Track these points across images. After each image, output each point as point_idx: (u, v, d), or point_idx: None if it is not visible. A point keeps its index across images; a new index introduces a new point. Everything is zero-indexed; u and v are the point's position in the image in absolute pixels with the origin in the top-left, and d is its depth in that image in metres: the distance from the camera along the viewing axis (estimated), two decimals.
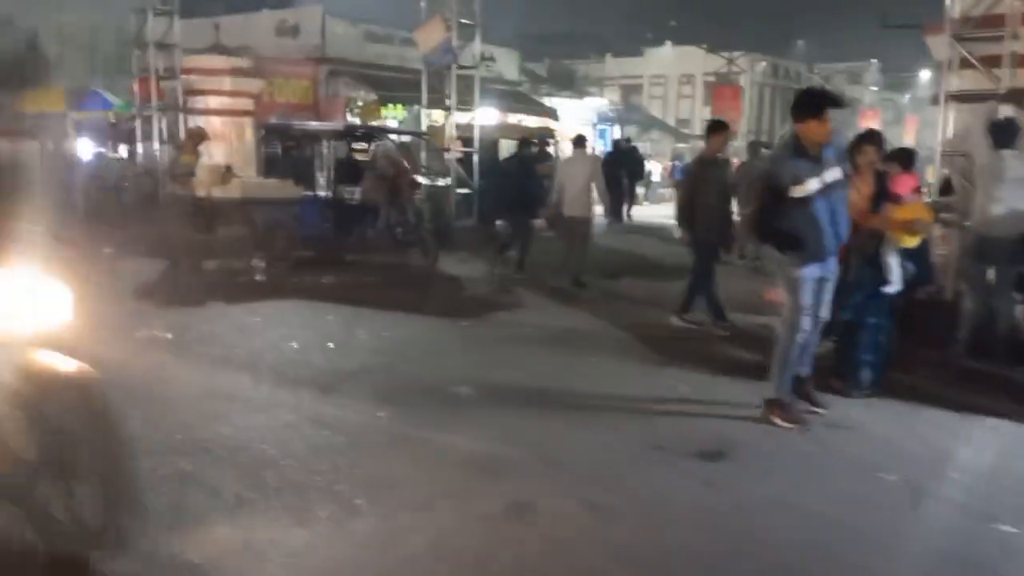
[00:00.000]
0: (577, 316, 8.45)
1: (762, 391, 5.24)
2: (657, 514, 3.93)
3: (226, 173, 11.50)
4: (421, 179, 13.25)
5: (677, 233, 8.06)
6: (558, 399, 5.61)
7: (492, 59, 21.34)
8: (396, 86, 18.69)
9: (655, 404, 5.57)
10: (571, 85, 33.17)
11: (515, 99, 22.52)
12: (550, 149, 17.46)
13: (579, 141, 11.22)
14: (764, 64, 41.40)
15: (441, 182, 13.66)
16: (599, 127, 25.97)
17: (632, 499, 4.04)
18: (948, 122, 9.53)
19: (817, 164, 4.73)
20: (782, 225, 4.76)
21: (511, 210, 10.69)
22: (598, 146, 22.81)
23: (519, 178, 10.74)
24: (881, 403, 5.56)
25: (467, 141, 15.32)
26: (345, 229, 11.15)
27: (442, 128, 15.36)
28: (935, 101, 9.92)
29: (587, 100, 27.83)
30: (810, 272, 4.83)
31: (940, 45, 9.55)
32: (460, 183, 14.95)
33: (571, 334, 7.65)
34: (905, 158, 5.83)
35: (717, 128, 8.01)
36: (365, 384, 5.83)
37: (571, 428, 5.04)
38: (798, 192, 4.70)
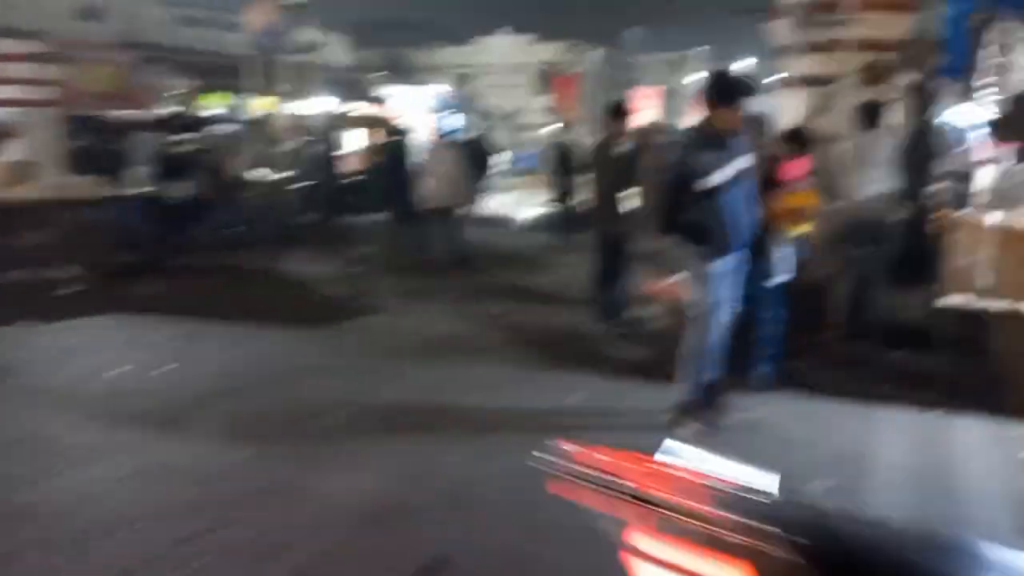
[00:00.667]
0: (449, 318, 7.75)
1: (667, 394, 4.86)
2: (596, 560, 3.38)
3: (27, 170, 10.07)
4: (254, 173, 12.29)
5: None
6: (452, 421, 4.96)
7: (324, 43, 20.24)
8: (217, 73, 17.27)
9: (557, 417, 5.04)
10: (405, 73, 32.31)
11: (348, 87, 21.47)
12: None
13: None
14: (600, 53, 42.07)
15: (277, 176, 12.62)
16: (440, 118, 25.22)
17: (560, 542, 3.47)
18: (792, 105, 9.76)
19: (727, 152, 4.36)
20: (692, 217, 4.36)
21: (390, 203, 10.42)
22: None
23: (392, 170, 10.60)
24: (782, 398, 5.31)
25: (300, 130, 14.39)
26: (169, 229, 10.04)
27: (275, 117, 14.27)
28: (785, 84, 10.12)
29: (427, 87, 27.06)
30: (723, 266, 4.47)
31: (782, 31, 9.76)
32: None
33: (451, 340, 6.97)
34: (798, 139, 5.61)
35: (620, 111, 7.17)
36: (218, 416, 4.98)
37: (474, 457, 4.40)
38: (707, 183, 4.32)
